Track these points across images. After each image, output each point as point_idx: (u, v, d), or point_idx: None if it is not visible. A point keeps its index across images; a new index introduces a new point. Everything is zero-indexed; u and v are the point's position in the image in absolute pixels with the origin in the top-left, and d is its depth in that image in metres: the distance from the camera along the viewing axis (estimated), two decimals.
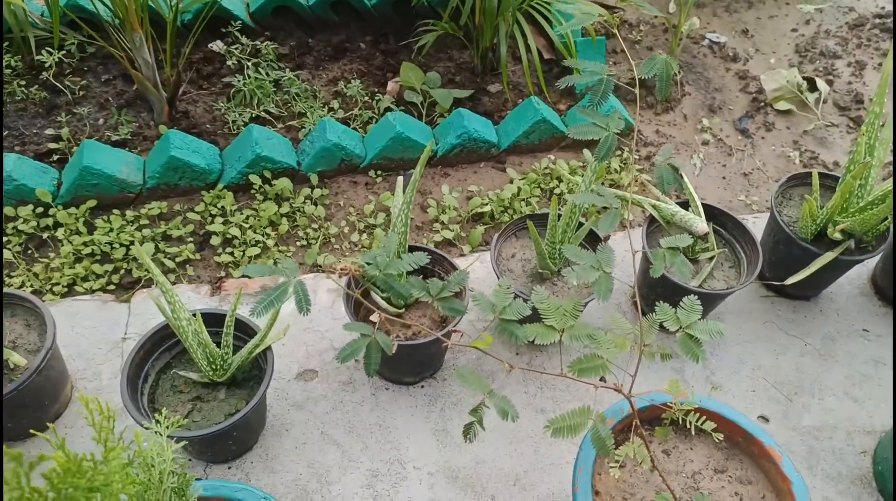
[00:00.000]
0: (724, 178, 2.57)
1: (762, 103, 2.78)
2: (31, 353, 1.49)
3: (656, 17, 3.10)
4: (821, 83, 2.82)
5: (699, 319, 1.09)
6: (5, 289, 1.56)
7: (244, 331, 1.49)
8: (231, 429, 1.34)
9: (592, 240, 1.73)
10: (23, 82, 2.60)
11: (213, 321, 1.46)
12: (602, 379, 1.14)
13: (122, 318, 1.75)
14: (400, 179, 1.58)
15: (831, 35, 3.13)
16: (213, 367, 1.39)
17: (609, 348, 1.10)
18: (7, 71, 2.62)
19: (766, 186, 2.56)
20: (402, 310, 1.55)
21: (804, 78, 2.83)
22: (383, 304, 1.53)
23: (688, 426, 1.15)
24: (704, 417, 1.19)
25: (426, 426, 1.60)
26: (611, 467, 1.08)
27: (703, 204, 1.78)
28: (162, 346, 1.46)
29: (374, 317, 1.58)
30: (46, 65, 2.61)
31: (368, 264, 1.04)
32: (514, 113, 2.53)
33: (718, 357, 1.80)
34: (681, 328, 1.09)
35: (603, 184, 2.46)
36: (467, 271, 1.11)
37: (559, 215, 1.61)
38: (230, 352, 1.41)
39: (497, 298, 1.09)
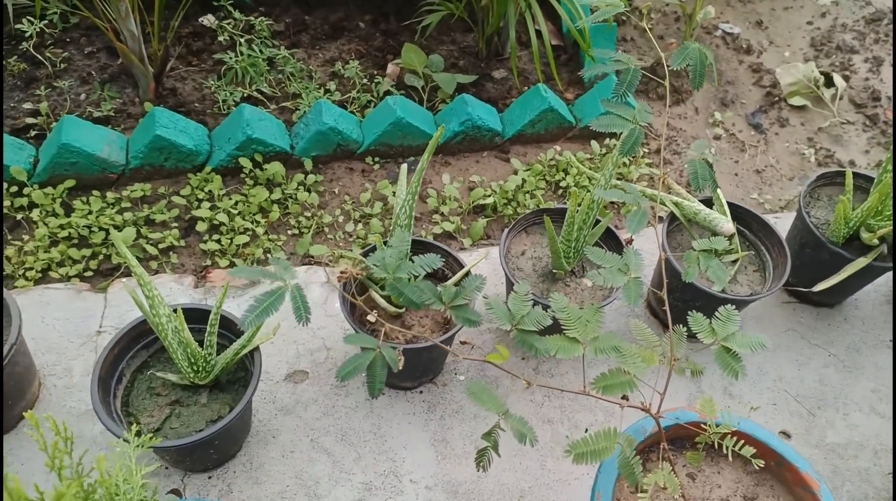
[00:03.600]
0: (736, 175, 2.46)
1: (776, 98, 2.67)
2: None
3: (668, 4, 2.97)
4: (838, 79, 2.71)
5: (737, 330, 0.98)
6: None
7: (230, 329, 1.36)
8: (212, 438, 1.22)
9: (608, 238, 1.61)
10: None
11: (196, 316, 1.33)
12: (624, 397, 1.03)
13: (97, 309, 1.62)
14: (404, 167, 1.46)
15: (848, 29, 3.02)
16: (195, 368, 1.27)
17: (636, 362, 0.98)
18: None
19: (779, 184, 2.45)
20: (403, 310, 1.43)
21: (821, 73, 2.72)
22: (382, 302, 1.41)
23: (724, 451, 1.04)
24: (737, 438, 1.08)
25: (424, 436, 1.49)
26: (640, 497, 0.97)
27: (727, 202, 1.67)
28: (139, 343, 1.34)
29: (372, 317, 1.45)
30: (27, 34, 2.45)
31: (376, 265, 0.92)
32: (520, 100, 2.41)
33: None
34: (716, 340, 0.98)
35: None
36: (483, 278, 0.99)
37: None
38: (214, 353, 1.28)
39: (515, 305, 0.97)
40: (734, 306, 1.03)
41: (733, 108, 2.65)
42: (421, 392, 1.54)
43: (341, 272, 0.90)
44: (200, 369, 1.27)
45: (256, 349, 1.29)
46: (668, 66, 1.17)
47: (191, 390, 1.32)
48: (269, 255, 2.07)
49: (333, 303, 1.65)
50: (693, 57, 1.10)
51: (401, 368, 0.93)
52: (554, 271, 1.51)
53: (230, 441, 1.38)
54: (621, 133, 1.08)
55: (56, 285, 1.66)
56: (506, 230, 1.52)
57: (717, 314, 1.00)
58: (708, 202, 1.66)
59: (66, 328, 1.57)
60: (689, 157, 1.09)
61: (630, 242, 1.64)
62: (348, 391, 1.53)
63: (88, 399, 1.40)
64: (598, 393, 0.97)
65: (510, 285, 1.55)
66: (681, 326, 1.03)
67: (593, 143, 2.42)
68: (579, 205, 1.46)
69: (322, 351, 1.58)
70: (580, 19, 2.27)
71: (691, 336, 1.02)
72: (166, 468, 1.39)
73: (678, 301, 1.58)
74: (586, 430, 1.51)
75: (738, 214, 1.70)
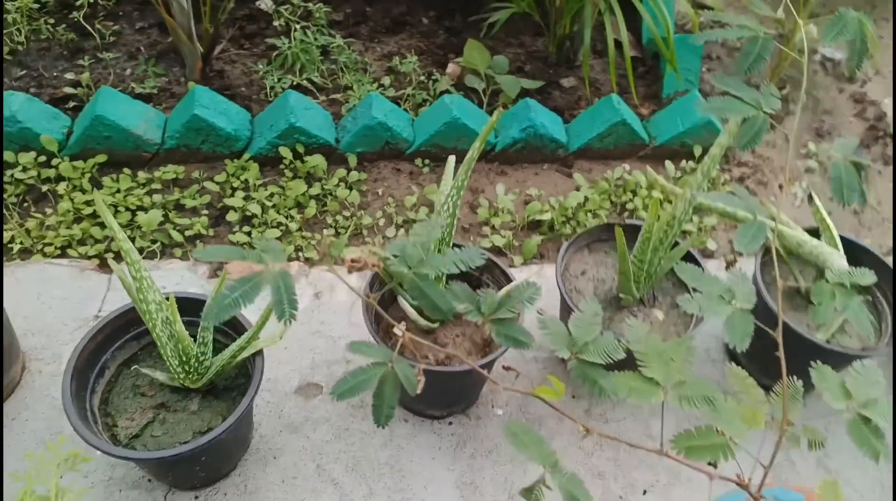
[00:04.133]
0: (830, 213, 2.17)
1: (881, 133, 2.38)
2: None
3: (761, 22, 2.72)
4: None
5: (880, 395, 0.73)
6: None
7: (234, 327, 1.17)
8: (198, 454, 1.02)
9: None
10: (51, 20, 2.36)
11: (195, 308, 1.14)
12: (712, 464, 0.79)
13: (99, 291, 1.45)
14: (451, 158, 1.25)
15: None
16: (186, 368, 1.08)
17: (733, 421, 0.74)
18: (35, 5, 2.38)
19: (880, 228, 2.16)
20: (437, 325, 1.22)
21: None
22: (413, 314, 1.19)
23: None
24: None
25: (449, 476, 1.26)
26: None
27: (840, 236, 1.41)
28: (128, 332, 1.15)
29: (399, 330, 1.24)
30: (78, 3, 2.35)
31: (395, 256, 0.71)
32: (590, 111, 2.18)
33: (835, 434, 1.40)
34: (851, 405, 0.73)
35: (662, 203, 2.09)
36: (538, 287, 0.77)
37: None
38: (208, 351, 1.09)
39: (578, 328, 0.75)
40: (862, 362, 0.78)
41: (829, 140, 2.37)
42: (450, 424, 1.31)
43: (352, 261, 0.69)
44: (192, 369, 1.08)
45: (259, 353, 1.09)
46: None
47: (181, 393, 1.12)
48: (299, 253, 1.89)
49: (360, 311, 1.44)
50: (851, 29, 0.86)
51: (419, 392, 0.72)
52: (621, 296, 1.27)
53: (222, 457, 1.18)
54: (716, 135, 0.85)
55: (59, 261, 1.50)
56: (565, 244, 1.29)
57: (851, 370, 0.76)
58: (814, 233, 1.40)
59: (62, 308, 1.41)
60: (831, 158, 0.85)
61: (733, 264, 1.39)
62: (366, 413, 1.31)
63: None
64: (678, 455, 0.74)
65: (566, 311, 1.32)
66: (794, 378, 0.79)
67: (668, 164, 2.18)
68: (657, 219, 1.22)
69: (341, 364, 1.37)
70: (666, 27, 2.04)
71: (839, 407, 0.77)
72: (149, 480, 1.20)
73: (766, 348, 1.32)
74: (645, 492, 1.26)
75: (850, 249, 1.43)
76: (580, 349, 0.75)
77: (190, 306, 1.13)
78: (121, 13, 2.44)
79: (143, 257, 1.76)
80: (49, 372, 1.31)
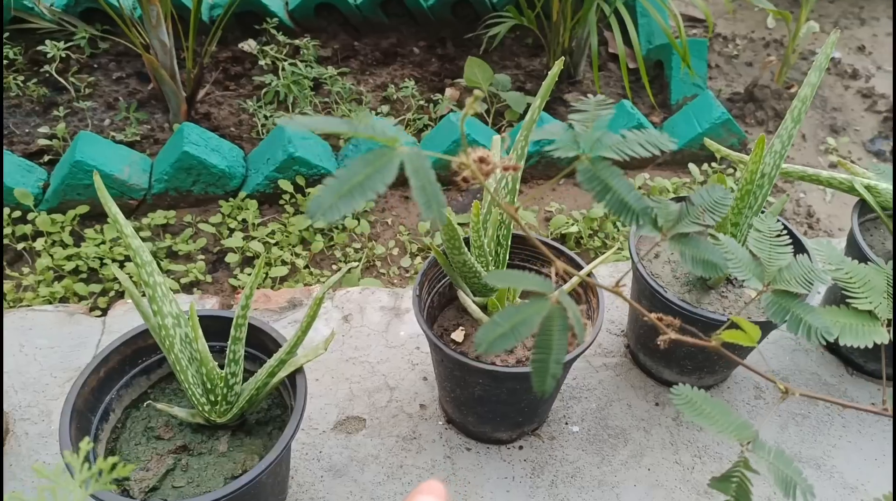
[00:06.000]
0: None
1: None
2: None
3: (753, 31, 2.68)
4: None
5: None
6: None
7: (262, 347, 0.97)
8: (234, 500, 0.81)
9: None
10: (20, 77, 2.21)
11: (217, 330, 0.96)
12: None
13: (92, 336, 1.25)
14: (496, 138, 1.10)
15: None
16: (212, 397, 0.88)
17: None
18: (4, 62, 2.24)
19: None
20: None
21: None
22: (476, 312, 1.01)
23: None
24: None
25: None
26: None
27: None
28: (136, 364, 0.95)
29: (458, 334, 1.06)
30: (49, 55, 2.22)
31: (552, 141, 0.54)
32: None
33: None
34: None
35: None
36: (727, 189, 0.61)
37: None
38: (239, 372, 0.89)
39: (764, 249, 0.59)
40: None
41: (846, 135, 2.29)
42: (521, 448, 1.11)
43: (458, 166, 0.51)
44: (220, 398, 0.88)
45: (300, 370, 0.90)
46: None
47: (205, 432, 0.92)
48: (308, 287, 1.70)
49: (398, 331, 1.26)
50: None
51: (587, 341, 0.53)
52: (706, 277, 1.11)
53: None
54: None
55: (43, 308, 1.30)
56: (633, 226, 1.13)
57: None
58: None
59: (49, 359, 1.20)
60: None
61: None
62: (421, 445, 1.11)
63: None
64: None
65: (640, 299, 1.16)
66: None
67: (692, 167, 2.06)
68: (759, 162, 1.04)
69: (384, 392, 1.17)
70: (678, 24, 1.96)
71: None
72: None
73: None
74: None
75: None
76: (774, 278, 0.58)
77: (210, 327, 0.94)
78: (96, 65, 2.31)
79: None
80: (37, 433, 1.09)
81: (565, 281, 1.04)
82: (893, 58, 2.46)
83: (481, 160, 0.49)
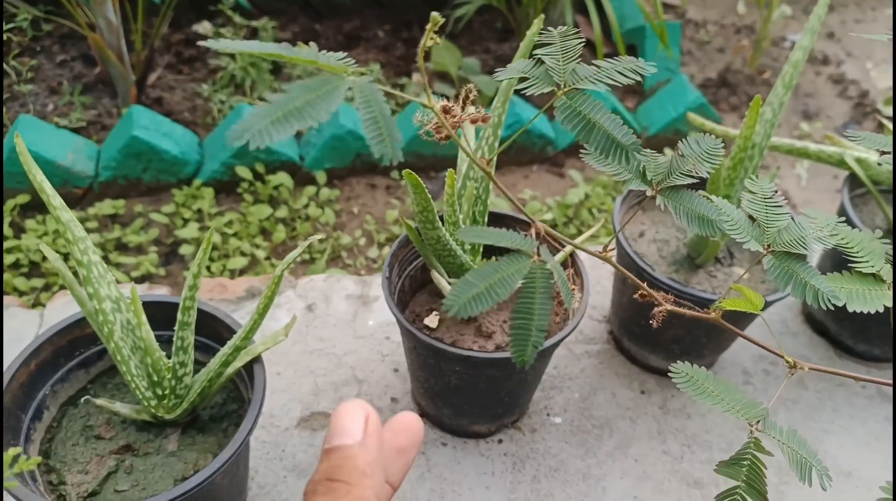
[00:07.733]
0: (837, 191, 2.05)
1: (868, 109, 2.29)
2: None
3: (724, 17, 2.65)
4: None
5: None
6: None
7: (215, 336, 0.88)
8: None
9: None
10: None
11: (164, 318, 0.86)
12: None
13: (28, 331, 1.13)
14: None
15: None
16: (159, 391, 0.78)
17: None
18: None
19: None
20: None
21: None
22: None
23: None
24: None
25: None
26: None
27: None
28: (73, 357, 0.85)
29: (432, 320, 0.98)
30: None
31: (527, 75, 0.46)
32: None
33: None
34: None
35: None
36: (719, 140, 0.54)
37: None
38: (189, 361, 0.80)
39: (761, 211, 0.52)
40: None
41: (818, 120, 2.27)
42: (500, 442, 1.03)
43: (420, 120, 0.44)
44: (168, 391, 0.78)
45: (257, 359, 0.81)
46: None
47: (152, 430, 0.82)
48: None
49: (366, 320, 1.17)
50: None
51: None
52: (693, 255, 1.04)
53: None
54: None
55: None
56: (618, 199, 1.06)
57: None
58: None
59: None
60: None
61: None
62: None
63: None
64: None
65: (624, 287, 1.09)
66: None
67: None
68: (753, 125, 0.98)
69: (352, 385, 1.08)
70: (656, 4, 1.91)
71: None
72: None
73: (844, 320, 1.13)
74: None
75: None
76: (773, 240, 0.51)
77: (158, 315, 0.84)
78: (38, 48, 2.17)
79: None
80: None
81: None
82: (894, 57, 2.45)
83: (445, 111, 0.42)
